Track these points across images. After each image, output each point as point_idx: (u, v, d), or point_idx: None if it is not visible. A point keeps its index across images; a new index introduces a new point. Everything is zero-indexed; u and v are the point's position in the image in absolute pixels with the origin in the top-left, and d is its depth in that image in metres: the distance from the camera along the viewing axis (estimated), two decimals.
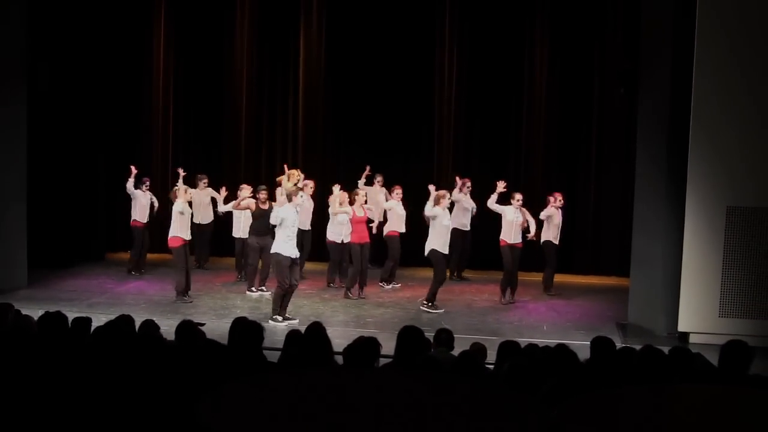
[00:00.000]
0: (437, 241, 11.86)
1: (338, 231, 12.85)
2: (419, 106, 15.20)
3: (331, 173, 15.34)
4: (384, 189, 13.95)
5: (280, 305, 11.02)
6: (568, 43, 14.69)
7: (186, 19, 15.68)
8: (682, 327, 10.52)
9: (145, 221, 14.03)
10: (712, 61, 10.24)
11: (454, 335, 7.28)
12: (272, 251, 11.18)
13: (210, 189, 14.35)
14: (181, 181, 13.86)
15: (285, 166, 12.78)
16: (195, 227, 14.30)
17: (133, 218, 13.99)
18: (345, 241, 12.77)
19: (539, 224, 12.89)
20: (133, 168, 13.81)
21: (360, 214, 12.70)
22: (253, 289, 12.69)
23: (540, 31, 14.79)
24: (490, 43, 14.88)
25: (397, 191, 13.22)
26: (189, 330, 6.82)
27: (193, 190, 14.14)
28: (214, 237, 14.70)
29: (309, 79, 15.43)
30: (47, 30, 13.57)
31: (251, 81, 15.64)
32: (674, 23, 10.61)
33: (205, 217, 14.40)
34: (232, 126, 15.72)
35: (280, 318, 10.95)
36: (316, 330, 6.59)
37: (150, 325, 7.15)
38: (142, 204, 13.94)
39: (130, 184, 13.75)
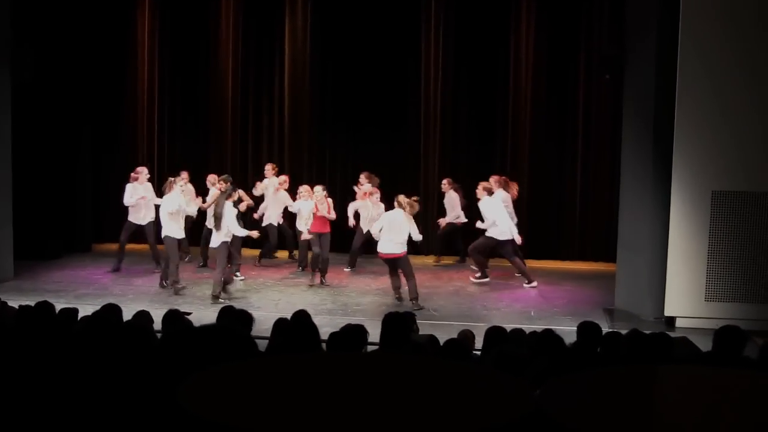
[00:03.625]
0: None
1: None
2: (405, 93, 15.16)
3: (317, 163, 15.35)
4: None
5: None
6: (554, 29, 14.68)
7: (171, 9, 15.60)
8: (668, 311, 10.57)
9: (143, 223, 13.25)
10: (696, 45, 10.26)
11: (442, 321, 7.31)
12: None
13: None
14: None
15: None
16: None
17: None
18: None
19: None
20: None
21: (323, 212, 12.71)
22: (238, 274, 12.75)
23: (525, 18, 14.76)
24: (474, 31, 14.83)
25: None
26: (176, 319, 6.84)
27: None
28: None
29: (294, 68, 15.36)
30: (31, 19, 13.47)
31: (236, 70, 15.57)
32: (659, 8, 10.63)
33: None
34: (217, 116, 15.65)
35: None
36: (302, 317, 6.62)
37: (143, 316, 7.16)
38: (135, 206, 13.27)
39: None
